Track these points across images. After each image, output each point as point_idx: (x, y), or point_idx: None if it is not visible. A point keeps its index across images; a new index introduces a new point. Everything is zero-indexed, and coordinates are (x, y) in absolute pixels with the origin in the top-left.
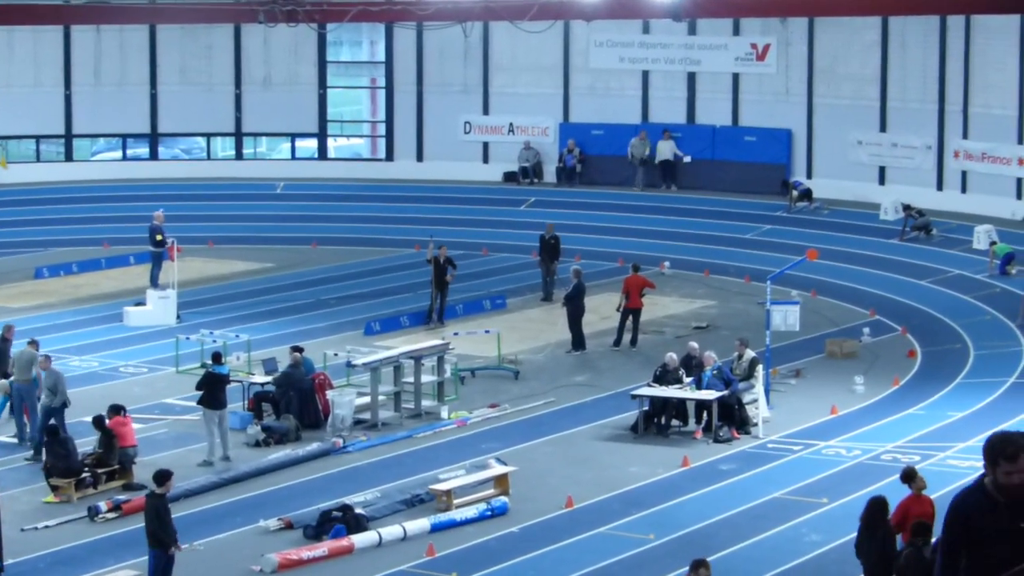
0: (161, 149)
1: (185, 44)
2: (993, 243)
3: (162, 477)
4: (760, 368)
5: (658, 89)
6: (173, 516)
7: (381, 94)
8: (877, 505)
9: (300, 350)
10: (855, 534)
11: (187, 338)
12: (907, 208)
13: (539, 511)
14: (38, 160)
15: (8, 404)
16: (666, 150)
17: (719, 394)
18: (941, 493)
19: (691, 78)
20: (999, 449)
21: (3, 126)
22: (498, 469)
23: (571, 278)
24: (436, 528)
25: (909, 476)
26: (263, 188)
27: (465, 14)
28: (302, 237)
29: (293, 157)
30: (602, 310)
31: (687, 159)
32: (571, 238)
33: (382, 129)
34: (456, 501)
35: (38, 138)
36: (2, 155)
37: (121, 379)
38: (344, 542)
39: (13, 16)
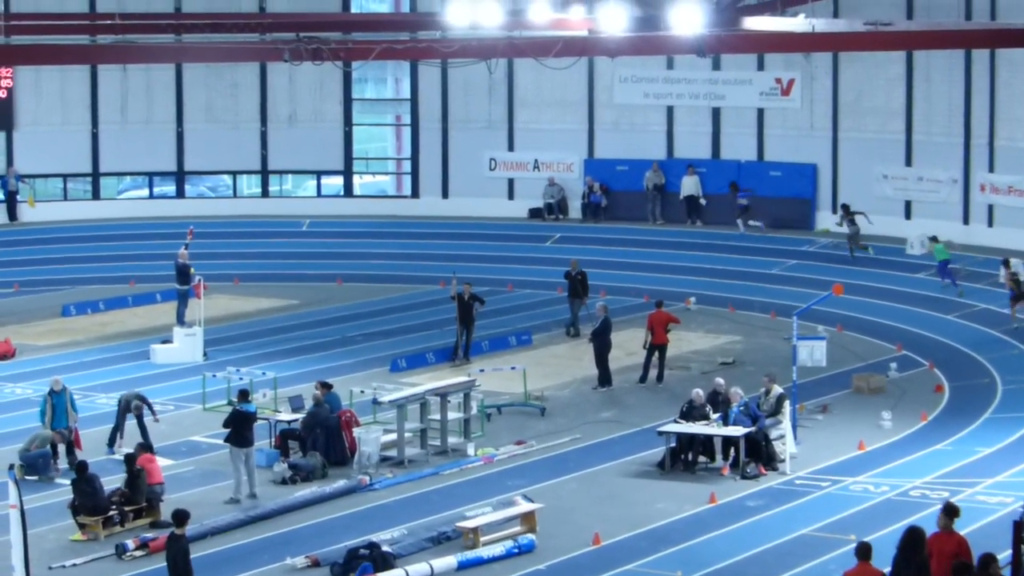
0: (187, 187)
1: (211, 82)
2: (1014, 274)
3: (181, 518)
4: (787, 404)
5: (683, 124)
6: (200, 554)
7: (406, 131)
8: (915, 535)
9: (329, 386)
10: (889, 568)
11: (214, 375)
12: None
13: (566, 548)
14: (65, 198)
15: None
16: (691, 185)
17: (746, 430)
18: (971, 530)
19: (716, 113)
20: None
21: (31, 165)
22: (525, 506)
23: (597, 314)
24: (463, 566)
25: (944, 511)
26: (289, 225)
27: (490, 51)
28: (328, 274)
29: (319, 194)
30: (628, 346)
31: (702, 201)
32: (597, 274)
33: (407, 166)
34: (483, 538)
35: (65, 176)
36: (30, 193)
37: (147, 416)
38: None
39: (40, 56)
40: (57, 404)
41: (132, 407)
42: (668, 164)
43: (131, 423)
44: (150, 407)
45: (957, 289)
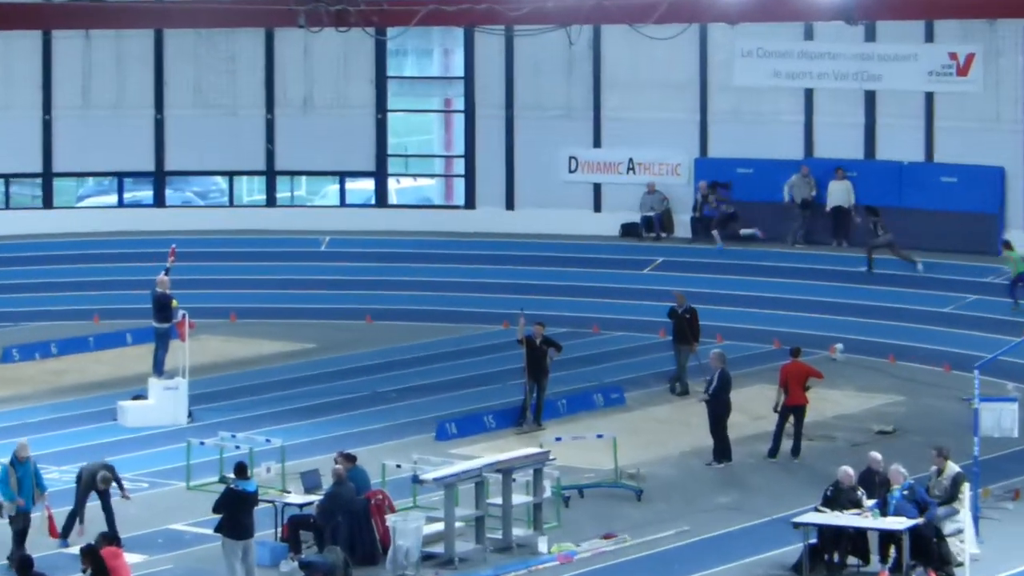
0: (169, 192)
1: (201, 55)
2: None
3: None
4: (967, 487)
5: (825, 114)
6: None
7: (458, 120)
8: None
9: (352, 459)
10: None
11: (201, 443)
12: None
13: None
14: (7, 206)
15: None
16: (839, 194)
17: (911, 522)
18: None
19: (869, 99)
20: None
21: None
22: None
23: (711, 366)
24: None
25: None
26: (302, 244)
27: (570, 15)
28: (353, 308)
29: (342, 203)
30: (753, 408)
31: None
32: (711, 312)
33: (460, 166)
34: None
35: (7, 177)
36: None
37: (115, 495)
38: None
39: None
40: (23, 477)
41: (99, 479)
42: (805, 164)
43: (93, 505)
44: (119, 482)
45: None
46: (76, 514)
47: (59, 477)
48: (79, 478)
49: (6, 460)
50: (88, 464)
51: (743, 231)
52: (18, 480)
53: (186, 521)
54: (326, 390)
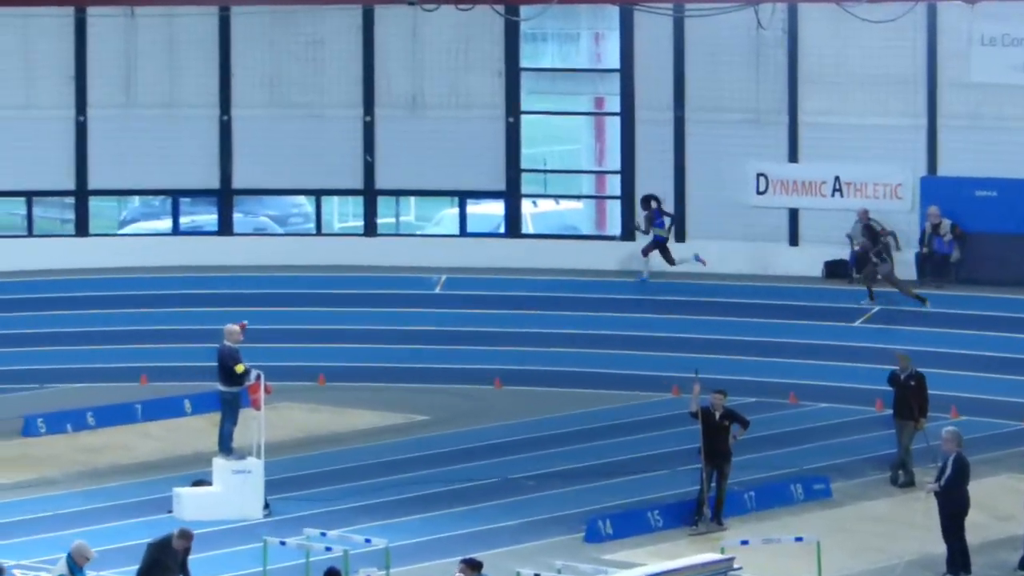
0: (237, 216)
1: (278, 39)
2: None
3: None
4: None
5: None
6: None
7: (613, 125)
8: None
9: (477, 566)
10: None
11: (282, 543)
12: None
13: None
14: (30, 233)
15: None
16: None
17: None
18: None
19: None
20: None
21: None
22: None
23: (944, 449)
24: None
25: None
26: (410, 284)
27: None
28: (477, 369)
29: (462, 232)
30: (1000, 505)
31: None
32: (944, 378)
33: (614, 185)
34: None
35: (30, 195)
36: None
37: None
38: None
39: None
40: None
41: (176, 534)
42: None
43: None
44: (185, 568)
45: None
46: None
47: None
48: (150, 551)
49: (62, 567)
50: (158, 538)
51: (677, 259)
52: None
53: None
54: (442, 476)
